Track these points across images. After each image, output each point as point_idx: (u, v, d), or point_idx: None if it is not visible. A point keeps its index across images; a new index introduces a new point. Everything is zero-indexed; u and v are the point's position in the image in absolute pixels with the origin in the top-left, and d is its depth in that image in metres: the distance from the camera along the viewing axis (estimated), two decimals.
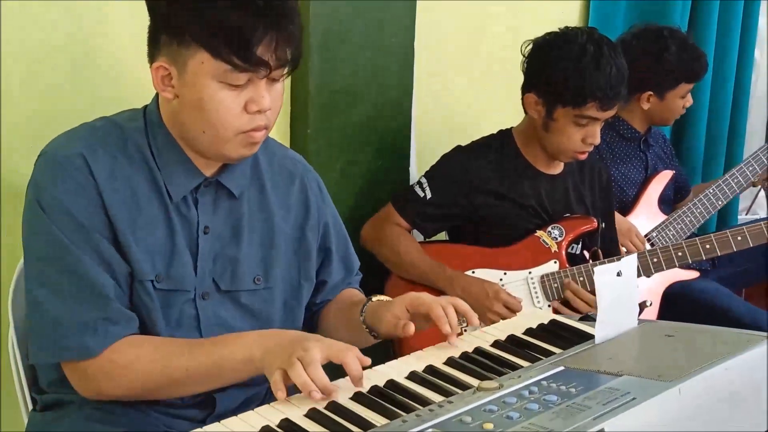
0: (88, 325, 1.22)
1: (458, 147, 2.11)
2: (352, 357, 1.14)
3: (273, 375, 1.14)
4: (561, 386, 1.09)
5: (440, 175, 2.07)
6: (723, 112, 3.23)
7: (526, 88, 2.04)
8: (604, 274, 1.29)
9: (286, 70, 1.27)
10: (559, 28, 2.03)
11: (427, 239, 2.13)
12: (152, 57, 1.28)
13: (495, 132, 2.16)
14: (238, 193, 1.37)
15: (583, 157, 2.04)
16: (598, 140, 2.00)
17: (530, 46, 2.04)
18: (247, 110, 1.25)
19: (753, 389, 1.18)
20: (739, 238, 2.07)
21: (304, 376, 1.10)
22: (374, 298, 1.43)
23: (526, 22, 2.57)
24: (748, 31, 3.26)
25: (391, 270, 2.08)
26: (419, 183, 2.06)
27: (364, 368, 1.16)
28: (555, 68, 1.94)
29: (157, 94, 1.34)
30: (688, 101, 2.62)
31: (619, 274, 1.30)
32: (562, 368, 1.17)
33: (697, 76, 2.58)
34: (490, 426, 0.98)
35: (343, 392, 1.14)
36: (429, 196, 2.04)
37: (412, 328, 1.32)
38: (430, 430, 0.98)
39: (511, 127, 2.15)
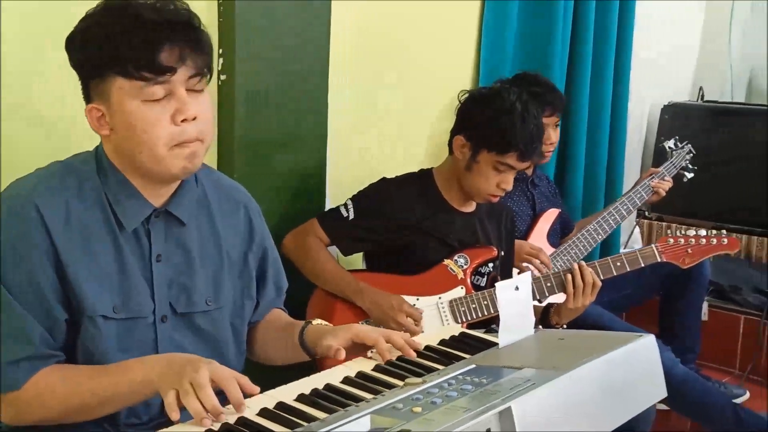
0: (12, 363, 1.33)
1: (384, 178, 2.33)
2: (233, 385, 1.24)
3: (167, 397, 1.24)
4: (474, 378, 1.30)
5: (365, 199, 2.27)
6: (600, 154, 3.57)
7: (456, 131, 2.28)
8: (504, 288, 1.52)
9: (200, 79, 1.38)
10: (493, 85, 2.34)
11: (344, 255, 2.32)
12: (86, 104, 1.41)
13: (417, 170, 2.39)
14: (187, 221, 1.50)
15: (495, 200, 2.29)
16: (510, 187, 2.25)
17: (467, 95, 2.30)
18: (174, 121, 1.35)
19: (631, 376, 1.42)
20: (618, 263, 2.35)
21: (195, 404, 1.20)
22: (314, 322, 1.59)
23: (419, 77, 2.85)
24: (621, 84, 3.64)
25: (309, 279, 2.25)
26: (345, 204, 2.26)
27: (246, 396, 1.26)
28: (487, 118, 2.19)
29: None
30: (556, 133, 2.92)
31: (516, 288, 1.54)
32: (473, 366, 1.38)
33: (559, 108, 2.88)
34: (418, 409, 1.17)
35: (289, 393, 1.31)
36: (352, 216, 2.24)
37: (343, 354, 1.46)
38: (368, 415, 1.17)
39: (432, 168, 2.38)
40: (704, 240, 2.37)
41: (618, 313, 3.05)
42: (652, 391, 1.46)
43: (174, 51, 1.33)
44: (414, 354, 1.49)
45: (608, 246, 3.56)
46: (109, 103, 1.36)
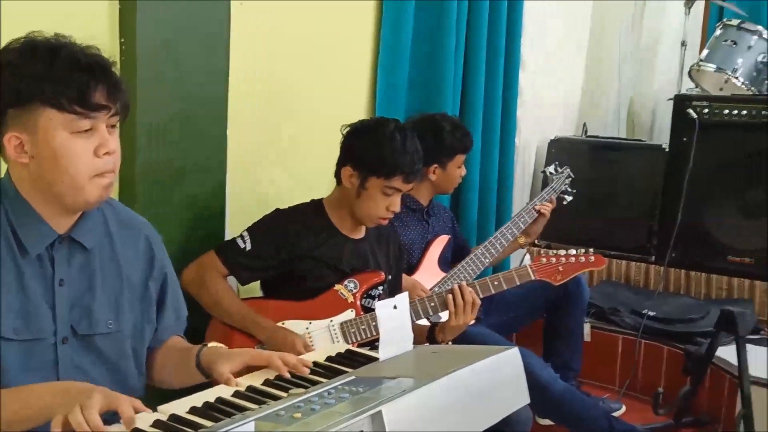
0: None
1: (277, 209, 2.45)
2: (126, 404, 1.33)
3: (54, 419, 1.31)
4: (352, 388, 1.44)
5: (260, 230, 2.38)
6: (491, 184, 3.81)
7: (342, 163, 2.43)
8: (383, 307, 1.68)
9: (119, 117, 1.53)
10: (371, 117, 2.49)
11: (242, 285, 2.43)
12: (1, 134, 1.49)
13: (308, 201, 2.52)
14: (90, 247, 1.59)
15: (385, 222, 2.45)
16: (398, 209, 2.42)
17: (349, 129, 2.46)
18: (97, 154, 1.49)
19: (495, 384, 1.58)
20: (496, 283, 2.54)
21: (78, 418, 1.28)
22: (209, 345, 1.69)
23: (319, 108, 3.00)
24: (508, 121, 3.89)
25: (207, 311, 2.34)
26: (241, 236, 2.37)
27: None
28: (372, 147, 2.36)
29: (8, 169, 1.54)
30: (463, 171, 3.13)
31: (395, 307, 1.69)
32: (354, 377, 1.52)
33: (468, 148, 3.10)
34: (298, 415, 1.30)
35: (182, 406, 1.42)
36: (249, 247, 2.35)
37: (234, 384, 1.55)
38: (253, 421, 1.29)
39: (322, 198, 2.52)
40: (573, 258, 2.57)
41: (507, 334, 3.24)
42: (515, 397, 1.63)
43: (103, 91, 1.48)
44: (307, 371, 1.61)
45: (500, 270, 3.75)
46: (34, 131, 1.46)
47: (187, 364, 1.68)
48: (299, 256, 2.37)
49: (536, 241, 4.18)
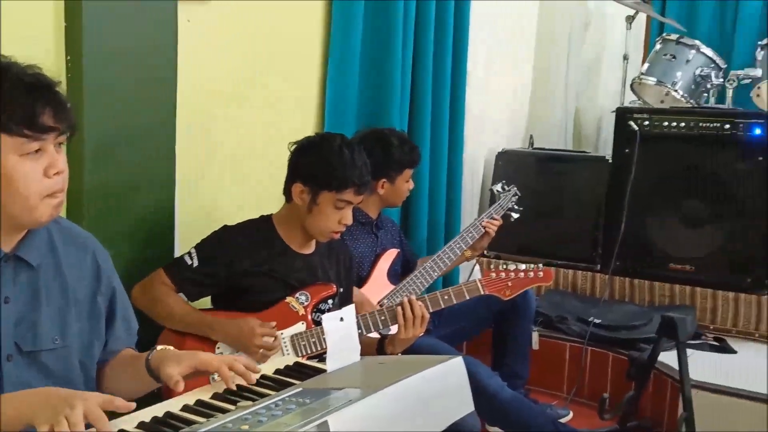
0: None
1: (225, 226, 2.47)
2: (102, 423, 1.34)
3: (41, 426, 1.31)
4: (299, 399, 1.46)
5: (207, 247, 2.41)
6: (440, 198, 3.87)
7: (292, 179, 2.46)
8: (330, 319, 1.71)
9: (67, 135, 1.55)
10: (316, 134, 2.58)
11: (191, 301, 2.44)
12: None
13: (257, 217, 2.54)
14: (35, 264, 1.60)
15: (337, 236, 2.48)
16: (350, 221, 2.46)
17: (296, 146, 2.49)
18: (47, 174, 1.51)
19: (440, 393, 1.62)
20: (446, 297, 2.58)
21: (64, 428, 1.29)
22: (159, 347, 1.70)
23: (268, 122, 3.03)
24: (456, 134, 3.96)
25: (161, 324, 2.36)
26: (189, 252, 2.38)
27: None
28: (321, 162, 2.40)
29: None
30: (411, 184, 3.18)
31: (341, 320, 1.72)
32: (301, 389, 1.55)
33: (416, 162, 3.16)
34: (246, 427, 1.33)
35: (131, 421, 1.43)
36: (196, 264, 2.37)
37: (181, 386, 1.57)
38: None
39: (271, 214, 2.54)
40: (522, 273, 2.63)
41: (457, 344, 3.30)
42: (460, 405, 1.67)
43: (50, 112, 1.49)
44: (254, 379, 1.63)
45: (449, 282, 3.82)
46: None
47: (138, 371, 1.68)
48: (248, 272, 2.39)
49: (485, 252, 4.25)
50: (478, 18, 4.09)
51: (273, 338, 2.30)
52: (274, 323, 2.33)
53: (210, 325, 2.32)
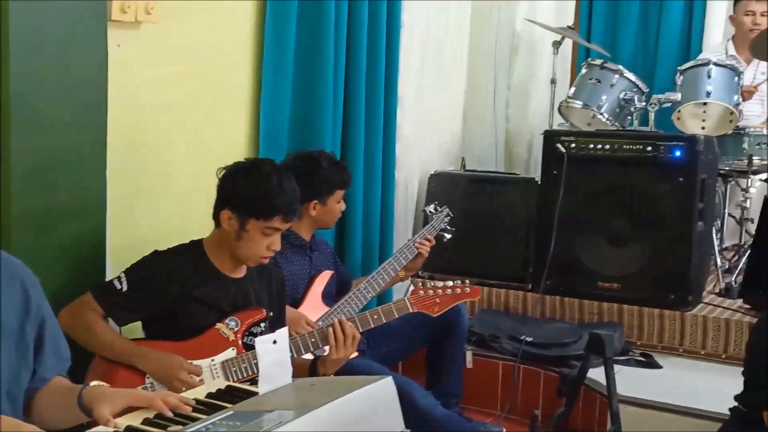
0: None
1: (156, 251, 2.46)
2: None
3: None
4: (230, 422, 1.48)
5: (137, 272, 2.39)
6: (374, 219, 3.92)
7: (220, 206, 2.46)
8: (263, 342, 1.73)
9: None
10: (246, 159, 2.57)
11: (120, 326, 2.42)
12: None
13: (187, 242, 2.54)
14: None
15: (266, 261, 2.49)
16: (279, 247, 2.47)
17: (225, 171, 2.48)
18: None
19: (370, 412, 1.65)
20: (375, 316, 2.62)
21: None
22: (92, 384, 1.70)
23: (204, 150, 3.04)
24: (389, 156, 4.02)
25: (90, 350, 2.33)
26: (118, 277, 2.37)
27: None
28: (249, 189, 2.40)
29: None
30: (343, 206, 3.21)
31: (274, 342, 1.74)
32: (232, 412, 1.56)
33: (346, 183, 3.19)
34: None
35: None
36: (125, 289, 2.35)
37: (112, 426, 1.57)
38: None
39: (202, 238, 2.54)
40: (450, 290, 2.69)
41: (392, 364, 3.33)
42: (390, 425, 1.70)
43: None
44: (189, 409, 1.64)
45: (383, 303, 3.84)
46: None
47: (70, 404, 1.68)
48: (178, 298, 2.39)
49: (419, 272, 4.30)
50: (409, 43, 4.16)
51: (198, 377, 2.29)
52: (201, 366, 2.32)
53: (137, 354, 2.31)
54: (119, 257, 2.62)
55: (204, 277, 2.45)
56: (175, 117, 2.94)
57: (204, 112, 3.06)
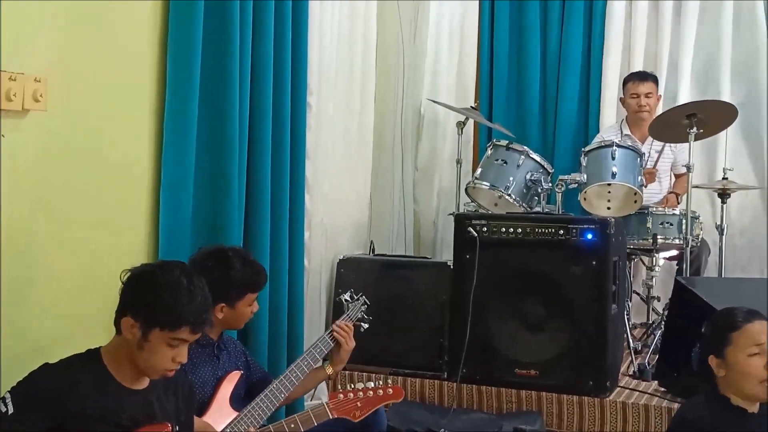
0: None
1: (46, 364, 2.21)
2: None
3: None
4: None
5: (25, 390, 2.14)
6: (281, 312, 3.70)
7: (122, 312, 2.23)
8: None
9: None
10: (153, 263, 2.38)
11: None
12: None
13: (83, 351, 2.30)
14: None
15: (171, 374, 2.27)
16: (185, 359, 2.25)
17: (129, 275, 2.27)
18: None
19: None
20: (292, 425, 2.44)
21: None
22: None
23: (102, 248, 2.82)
24: (296, 244, 3.85)
25: None
26: (3, 398, 2.11)
27: None
28: (154, 297, 2.19)
29: None
30: (255, 307, 3.01)
31: None
32: None
33: (259, 286, 3.00)
34: None
35: None
36: (11, 411, 2.09)
37: None
38: None
39: (100, 347, 2.30)
40: (371, 392, 2.54)
41: None
42: None
43: None
44: None
45: (295, 403, 3.64)
46: None
47: None
48: (72, 415, 2.13)
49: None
50: (316, 125, 4.05)
51: None
52: None
53: None
54: (9, 365, 2.39)
55: (101, 390, 2.21)
56: (69, 210, 2.71)
57: (101, 205, 2.84)
